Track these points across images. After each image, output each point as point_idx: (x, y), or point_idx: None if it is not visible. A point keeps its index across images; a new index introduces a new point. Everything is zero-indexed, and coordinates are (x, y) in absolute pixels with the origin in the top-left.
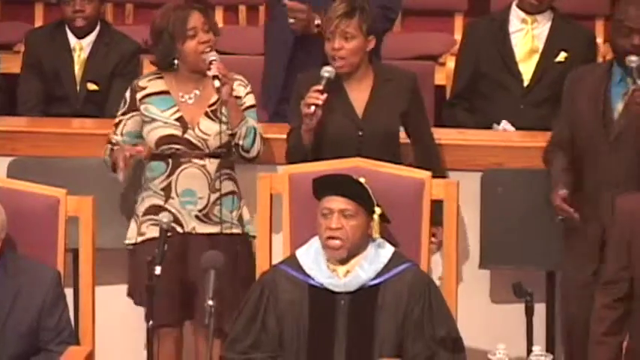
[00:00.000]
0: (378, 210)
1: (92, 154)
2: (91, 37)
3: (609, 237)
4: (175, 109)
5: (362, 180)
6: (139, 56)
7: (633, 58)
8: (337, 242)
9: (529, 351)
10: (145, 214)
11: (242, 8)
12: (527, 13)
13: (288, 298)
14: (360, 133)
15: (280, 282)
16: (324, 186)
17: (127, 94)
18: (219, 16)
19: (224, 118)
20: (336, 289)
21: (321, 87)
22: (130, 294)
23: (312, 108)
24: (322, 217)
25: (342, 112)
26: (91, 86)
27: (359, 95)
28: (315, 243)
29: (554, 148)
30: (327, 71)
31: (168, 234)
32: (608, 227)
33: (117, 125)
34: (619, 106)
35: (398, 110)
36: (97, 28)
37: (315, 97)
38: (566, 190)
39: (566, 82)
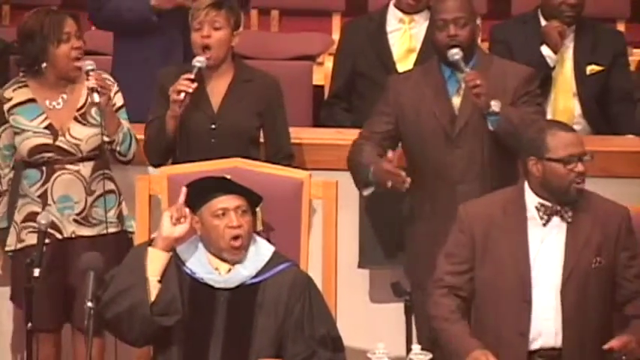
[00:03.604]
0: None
1: None
2: None
3: (449, 243)
4: (43, 117)
5: (228, 177)
6: (9, 56)
7: (454, 51)
8: (241, 242)
9: (408, 349)
10: (24, 221)
11: None
12: (405, 12)
13: (169, 276)
14: (213, 126)
15: None
16: (207, 189)
17: None
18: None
19: (93, 121)
20: (217, 285)
21: (192, 76)
22: (12, 298)
23: (182, 95)
24: (216, 219)
25: (197, 104)
26: None
27: (217, 90)
28: (195, 242)
29: (363, 141)
30: (198, 61)
31: (47, 240)
32: (448, 224)
33: None
34: (457, 102)
35: (254, 110)
36: None
37: (187, 85)
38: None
39: (388, 88)
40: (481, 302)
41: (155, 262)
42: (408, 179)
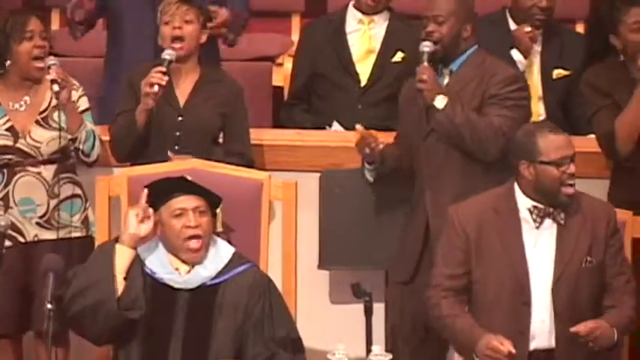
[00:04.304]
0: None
1: None
2: None
3: (440, 246)
4: (5, 119)
5: (188, 177)
6: None
7: (426, 43)
8: (198, 243)
9: (368, 351)
10: None
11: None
12: (364, 13)
13: (134, 274)
14: (180, 119)
15: None
16: (167, 189)
17: None
18: (55, 18)
19: (62, 124)
20: (177, 286)
21: (164, 69)
22: None
23: (156, 87)
24: (175, 219)
25: (164, 99)
26: None
27: (183, 87)
28: (155, 243)
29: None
30: (168, 54)
31: (9, 244)
32: (430, 217)
33: None
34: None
35: (218, 110)
36: None
37: (159, 78)
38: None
39: (402, 90)
40: (477, 304)
41: (122, 258)
42: (379, 137)
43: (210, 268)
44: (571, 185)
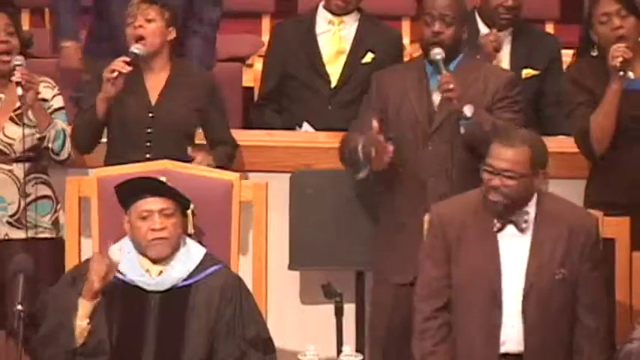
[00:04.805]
0: (192, 206)
1: None
2: None
3: (422, 248)
4: None
5: (163, 179)
6: None
7: (437, 50)
8: (163, 241)
9: (339, 351)
10: None
11: (48, 11)
12: (334, 14)
13: (98, 313)
14: (151, 115)
15: None
16: (135, 190)
17: None
18: (25, 19)
19: (29, 122)
20: (148, 288)
21: (128, 59)
22: None
23: (115, 73)
24: (141, 220)
25: (135, 96)
26: None
27: (155, 84)
28: (126, 244)
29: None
30: (136, 47)
31: None
32: (415, 218)
33: None
34: (437, 99)
35: (192, 105)
36: None
37: (121, 66)
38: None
39: (373, 83)
40: (454, 303)
41: (84, 310)
42: (391, 148)
43: (181, 269)
44: (494, 198)
